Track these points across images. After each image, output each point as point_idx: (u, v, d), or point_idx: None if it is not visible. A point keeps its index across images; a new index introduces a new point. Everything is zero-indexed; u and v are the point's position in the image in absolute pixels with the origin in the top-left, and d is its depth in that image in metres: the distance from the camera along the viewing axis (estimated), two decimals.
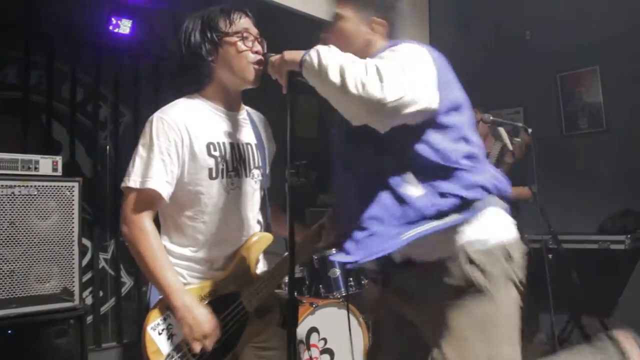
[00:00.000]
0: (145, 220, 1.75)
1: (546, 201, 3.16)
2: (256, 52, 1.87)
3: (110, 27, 4.04)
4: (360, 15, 1.75)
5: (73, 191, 3.20)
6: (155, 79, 4.63)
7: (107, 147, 4.40)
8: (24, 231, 2.93)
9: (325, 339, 3.42)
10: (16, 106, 3.90)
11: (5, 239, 2.86)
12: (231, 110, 1.95)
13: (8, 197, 2.88)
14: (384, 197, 1.56)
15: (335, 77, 1.43)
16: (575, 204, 4.47)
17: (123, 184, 1.78)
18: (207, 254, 1.87)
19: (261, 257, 2.00)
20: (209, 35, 1.84)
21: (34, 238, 2.96)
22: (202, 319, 1.73)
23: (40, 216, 2.99)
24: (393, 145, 1.57)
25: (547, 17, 4.64)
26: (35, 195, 3.00)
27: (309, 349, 3.27)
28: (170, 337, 1.75)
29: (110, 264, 4.35)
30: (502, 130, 3.19)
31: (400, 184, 1.55)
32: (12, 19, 3.51)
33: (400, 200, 1.54)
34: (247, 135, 1.98)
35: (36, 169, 3.13)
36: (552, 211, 3.35)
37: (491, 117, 3.19)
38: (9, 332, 2.79)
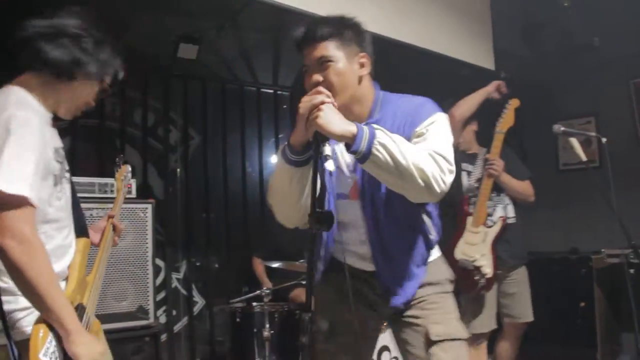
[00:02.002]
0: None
1: (624, 213, 3.00)
2: None
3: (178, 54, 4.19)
4: (348, 53, 1.73)
5: (147, 213, 3.33)
6: (221, 102, 4.76)
7: (178, 169, 4.55)
8: None
9: (396, 358, 3.38)
10: (93, 132, 4.11)
11: None
12: None
13: (86, 219, 3.00)
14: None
15: (419, 177, 1.55)
16: None
17: None
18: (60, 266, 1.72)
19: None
20: None
21: (111, 258, 3.05)
22: (94, 341, 1.62)
23: None
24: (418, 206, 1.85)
25: (616, 22, 4.45)
26: None
27: None
28: None
29: (182, 283, 4.47)
30: (574, 140, 3.07)
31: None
32: None
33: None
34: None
35: (112, 191, 3.28)
36: (631, 223, 3.19)
37: (562, 128, 3.08)
38: None
